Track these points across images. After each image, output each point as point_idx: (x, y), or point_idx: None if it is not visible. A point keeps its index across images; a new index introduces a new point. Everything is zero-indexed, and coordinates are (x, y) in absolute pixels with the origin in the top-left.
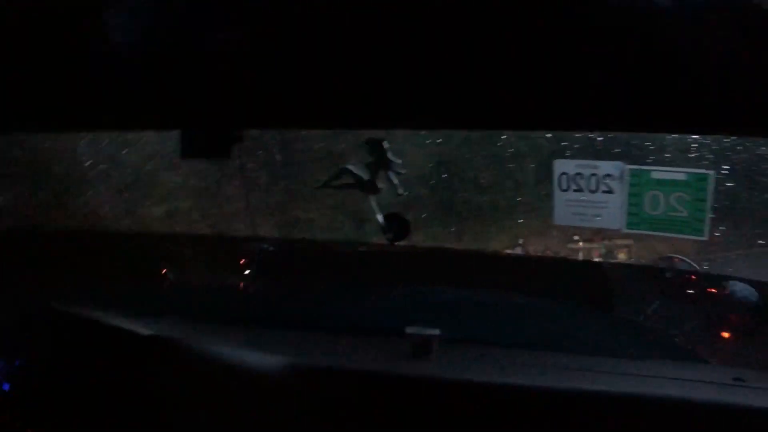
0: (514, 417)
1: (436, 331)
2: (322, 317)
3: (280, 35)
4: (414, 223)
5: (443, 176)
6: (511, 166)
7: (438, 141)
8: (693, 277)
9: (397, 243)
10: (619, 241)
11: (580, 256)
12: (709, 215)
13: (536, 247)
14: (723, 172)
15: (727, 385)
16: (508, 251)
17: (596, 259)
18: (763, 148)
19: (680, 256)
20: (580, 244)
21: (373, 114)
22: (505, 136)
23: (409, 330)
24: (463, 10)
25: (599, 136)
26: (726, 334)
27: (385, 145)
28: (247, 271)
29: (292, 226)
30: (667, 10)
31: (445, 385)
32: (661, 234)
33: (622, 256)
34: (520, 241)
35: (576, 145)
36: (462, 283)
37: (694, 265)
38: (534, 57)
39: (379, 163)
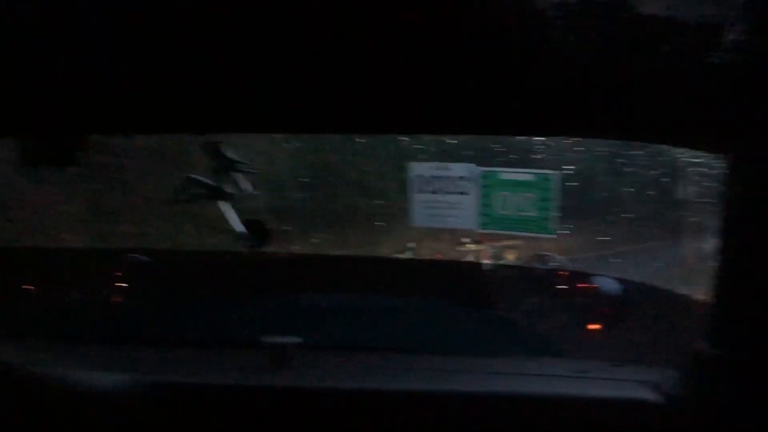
0: (373, 421)
1: (296, 339)
2: (182, 332)
3: (105, 37)
4: (292, 229)
5: (319, 181)
6: (390, 169)
7: (299, 144)
8: (564, 273)
9: (264, 250)
10: (508, 242)
11: (470, 258)
12: (555, 214)
13: (427, 251)
14: (566, 172)
15: (571, 377)
16: (397, 255)
17: (472, 260)
18: (600, 149)
19: (552, 254)
20: (470, 246)
21: (206, 117)
22: (364, 140)
23: (266, 340)
24: (315, 16)
25: (452, 139)
26: (593, 327)
27: (224, 147)
28: (116, 284)
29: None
30: (512, 16)
31: (304, 394)
32: (513, 233)
33: (510, 257)
34: (411, 245)
35: (432, 149)
36: (334, 289)
37: (565, 262)
38: (386, 60)
39: (223, 166)
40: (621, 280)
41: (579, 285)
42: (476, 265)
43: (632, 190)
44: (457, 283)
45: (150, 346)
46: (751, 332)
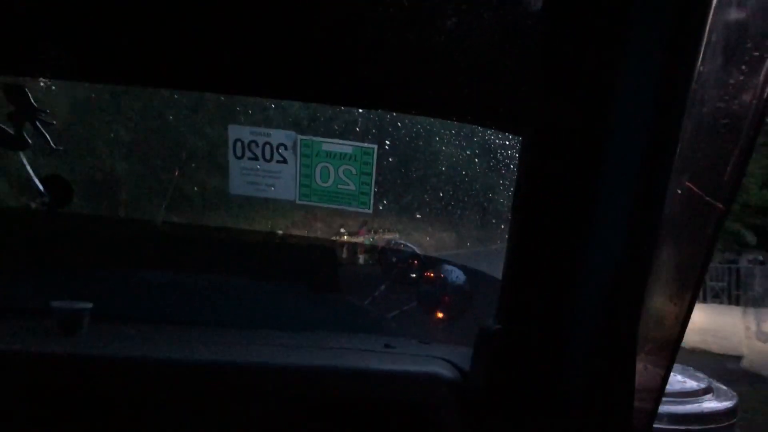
0: (165, 390)
1: (87, 305)
2: None
3: None
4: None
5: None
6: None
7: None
8: (415, 261)
9: (57, 209)
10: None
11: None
12: (373, 188)
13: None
14: (385, 147)
15: (376, 351)
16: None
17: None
18: (419, 126)
19: (404, 242)
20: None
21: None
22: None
23: (55, 305)
24: None
25: (273, 104)
26: (437, 313)
27: (28, 92)
28: None
29: None
30: None
31: (92, 361)
32: (331, 206)
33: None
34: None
35: (249, 111)
36: (142, 260)
37: (416, 249)
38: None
39: (24, 113)
40: (468, 269)
41: (426, 273)
42: (327, 247)
43: (443, 168)
44: (312, 267)
45: None
46: (529, 310)
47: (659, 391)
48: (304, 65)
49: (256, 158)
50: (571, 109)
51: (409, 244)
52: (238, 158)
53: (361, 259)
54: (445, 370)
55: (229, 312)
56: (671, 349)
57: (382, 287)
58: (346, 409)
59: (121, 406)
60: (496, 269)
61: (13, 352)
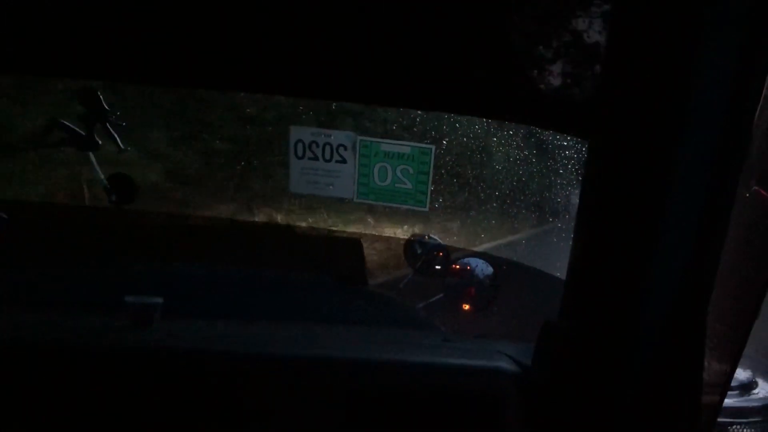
0: (235, 383)
1: (159, 300)
2: (38, 293)
3: None
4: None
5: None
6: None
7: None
8: (440, 253)
9: (124, 206)
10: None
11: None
12: (430, 187)
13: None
14: (443, 147)
15: (435, 345)
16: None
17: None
18: (476, 127)
19: (430, 234)
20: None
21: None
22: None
23: (128, 299)
24: None
25: (333, 105)
26: (465, 306)
27: (100, 95)
28: None
29: None
30: None
31: (167, 354)
32: (388, 204)
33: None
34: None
35: (311, 113)
36: (204, 256)
37: (441, 242)
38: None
39: (95, 115)
40: (493, 259)
41: (453, 266)
42: (353, 240)
43: (499, 168)
44: (332, 256)
45: (6, 308)
46: (596, 307)
47: (725, 386)
48: (365, 67)
49: (316, 158)
50: (642, 111)
51: (434, 236)
52: (299, 158)
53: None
54: (507, 364)
55: (289, 307)
56: (737, 346)
57: (408, 279)
58: (416, 402)
59: (192, 399)
60: (547, 265)
61: (88, 346)
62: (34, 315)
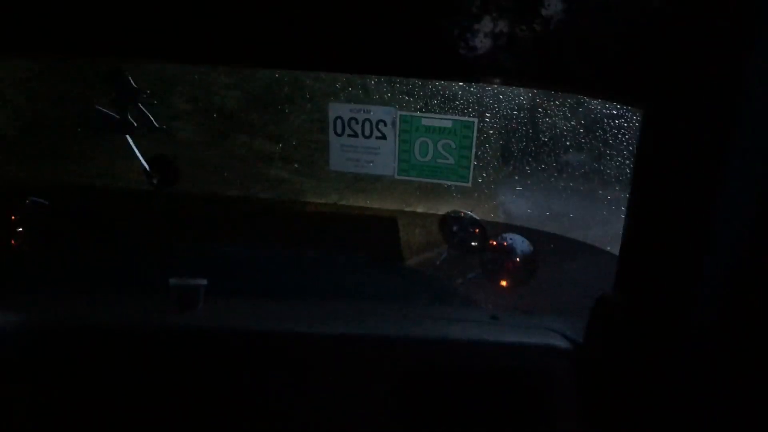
0: (283, 363)
1: (203, 281)
2: (84, 276)
3: None
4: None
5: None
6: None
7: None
8: (476, 230)
9: (165, 189)
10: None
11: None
12: (473, 162)
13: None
14: (486, 120)
15: (484, 323)
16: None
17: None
18: (521, 98)
19: (465, 211)
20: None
21: (114, 40)
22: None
23: (173, 281)
24: None
25: (372, 80)
26: (503, 282)
27: (128, 76)
28: (18, 229)
29: None
30: None
31: (213, 335)
32: (429, 180)
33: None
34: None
35: (349, 89)
36: (240, 235)
37: (477, 218)
38: None
39: (127, 96)
40: (533, 232)
41: (490, 242)
42: (389, 218)
43: (546, 140)
44: (370, 235)
45: (51, 290)
46: (653, 281)
47: None
48: (408, 41)
49: (355, 135)
50: (704, 79)
51: (469, 213)
52: (338, 135)
53: (422, 226)
54: (558, 341)
55: (330, 286)
56: None
57: (445, 255)
58: (466, 380)
59: (238, 378)
60: (596, 239)
61: (134, 327)
62: (81, 299)
